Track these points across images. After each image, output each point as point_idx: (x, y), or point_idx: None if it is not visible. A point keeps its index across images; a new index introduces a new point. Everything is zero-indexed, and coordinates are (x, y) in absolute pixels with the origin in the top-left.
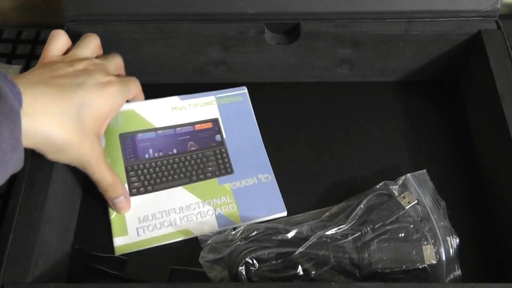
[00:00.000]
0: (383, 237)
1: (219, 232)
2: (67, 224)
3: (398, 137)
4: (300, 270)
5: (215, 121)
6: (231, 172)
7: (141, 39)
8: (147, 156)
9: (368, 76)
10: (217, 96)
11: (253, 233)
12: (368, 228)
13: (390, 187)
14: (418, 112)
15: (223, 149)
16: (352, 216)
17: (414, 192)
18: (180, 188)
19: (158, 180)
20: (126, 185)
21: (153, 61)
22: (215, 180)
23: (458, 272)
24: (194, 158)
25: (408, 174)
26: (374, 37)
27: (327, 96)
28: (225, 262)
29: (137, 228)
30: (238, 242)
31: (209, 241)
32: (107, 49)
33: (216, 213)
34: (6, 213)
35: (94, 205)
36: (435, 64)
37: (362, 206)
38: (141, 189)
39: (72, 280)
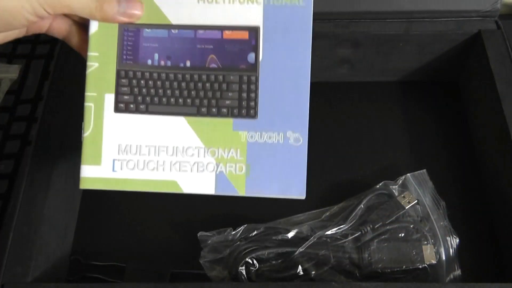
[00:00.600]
0: (383, 237)
1: (219, 232)
2: (67, 224)
3: (398, 137)
4: (300, 270)
5: (254, 30)
6: (254, 115)
7: None
8: (149, 62)
9: (368, 76)
10: None
11: (253, 233)
12: (368, 228)
13: (390, 187)
14: (418, 112)
15: (253, 78)
16: (352, 216)
17: (414, 192)
18: (181, 119)
19: (156, 99)
20: (113, 95)
21: None
22: (230, 121)
23: (458, 272)
24: (212, 81)
25: (408, 174)
26: (374, 37)
27: (327, 96)
28: (225, 262)
29: (113, 160)
30: (238, 242)
31: (209, 241)
32: None
33: (218, 171)
34: (6, 213)
35: (94, 205)
36: (435, 64)
37: (362, 206)
38: (131, 105)
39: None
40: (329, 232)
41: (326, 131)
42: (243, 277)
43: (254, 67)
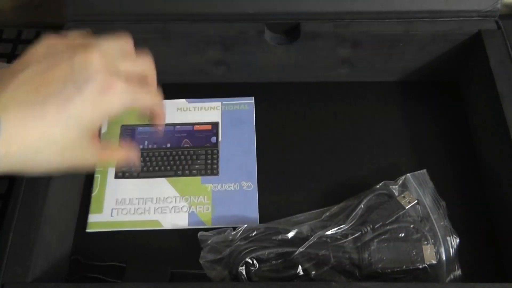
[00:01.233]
0: (383, 237)
1: (219, 232)
2: (67, 224)
3: (398, 137)
4: (300, 270)
5: (215, 124)
6: (216, 173)
7: (141, 39)
8: (141, 146)
9: (368, 76)
10: (224, 102)
11: (253, 233)
12: (368, 228)
13: (390, 187)
14: (418, 112)
15: (215, 151)
16: (352, 216)
17: (414, 192)
18: (163, 179)
19: (145, 168)
20: (114, 168)
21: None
22: (198, 178)
23: (458, 272)
24: (185, 154)
25: (408, 174)
26: (374, 37)
27: (327, 96)
28: (225, 262)
29: (112, 209)
30: (238, 242)
31: (209, 241)
32: None
33: (190, 211)
34: (6, 213)
35: None
36: (435, 64)
37: (362, 206)
38: (127, 174)
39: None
40: (329, 232)
41: (326, 130)
42: (243, 277)
43: (215, 145)
